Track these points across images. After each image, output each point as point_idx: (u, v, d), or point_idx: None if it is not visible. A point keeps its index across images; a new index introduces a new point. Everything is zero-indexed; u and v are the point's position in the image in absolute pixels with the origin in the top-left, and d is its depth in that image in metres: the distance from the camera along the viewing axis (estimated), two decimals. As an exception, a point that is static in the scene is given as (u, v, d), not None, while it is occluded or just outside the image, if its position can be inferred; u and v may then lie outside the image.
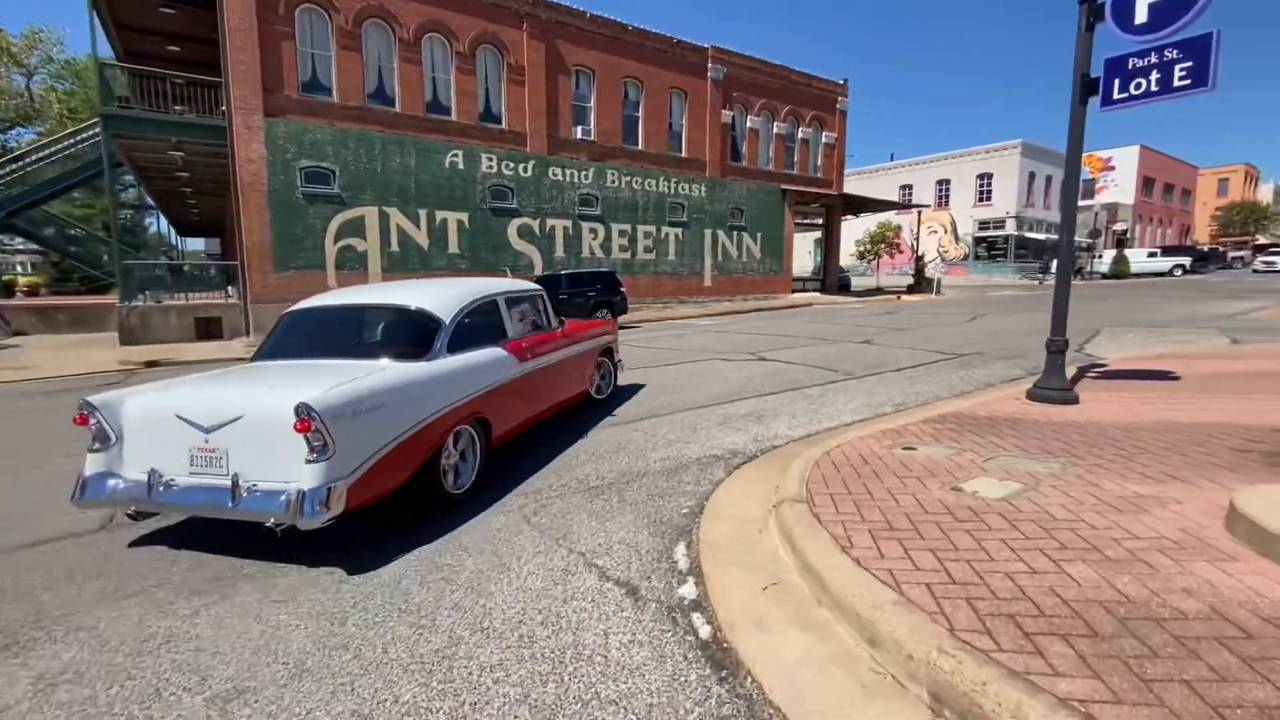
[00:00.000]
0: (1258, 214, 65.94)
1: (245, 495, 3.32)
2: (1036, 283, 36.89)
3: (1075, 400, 6.29)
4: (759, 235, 27.57)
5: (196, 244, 45.76)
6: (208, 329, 16.09)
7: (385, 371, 3.91)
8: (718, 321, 19.39)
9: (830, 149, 30.43)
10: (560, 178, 21.33)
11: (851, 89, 30.47)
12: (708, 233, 25.95)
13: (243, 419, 3.41)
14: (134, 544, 3.78)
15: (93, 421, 3.62)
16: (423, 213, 18.33)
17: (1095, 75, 5.97)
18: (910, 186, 50.34)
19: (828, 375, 9.03)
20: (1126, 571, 2.64)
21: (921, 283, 31.32)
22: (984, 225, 46.92)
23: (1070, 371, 7.89)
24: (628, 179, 23.32)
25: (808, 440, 5.63)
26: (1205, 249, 47.96)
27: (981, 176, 47.19)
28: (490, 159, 19.58)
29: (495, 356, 4.95)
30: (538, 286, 6.33)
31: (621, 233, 23.32)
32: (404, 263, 17.92)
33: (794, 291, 28.79)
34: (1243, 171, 74.02)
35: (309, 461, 3.26)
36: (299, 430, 3.21)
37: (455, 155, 18.88)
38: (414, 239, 18.15)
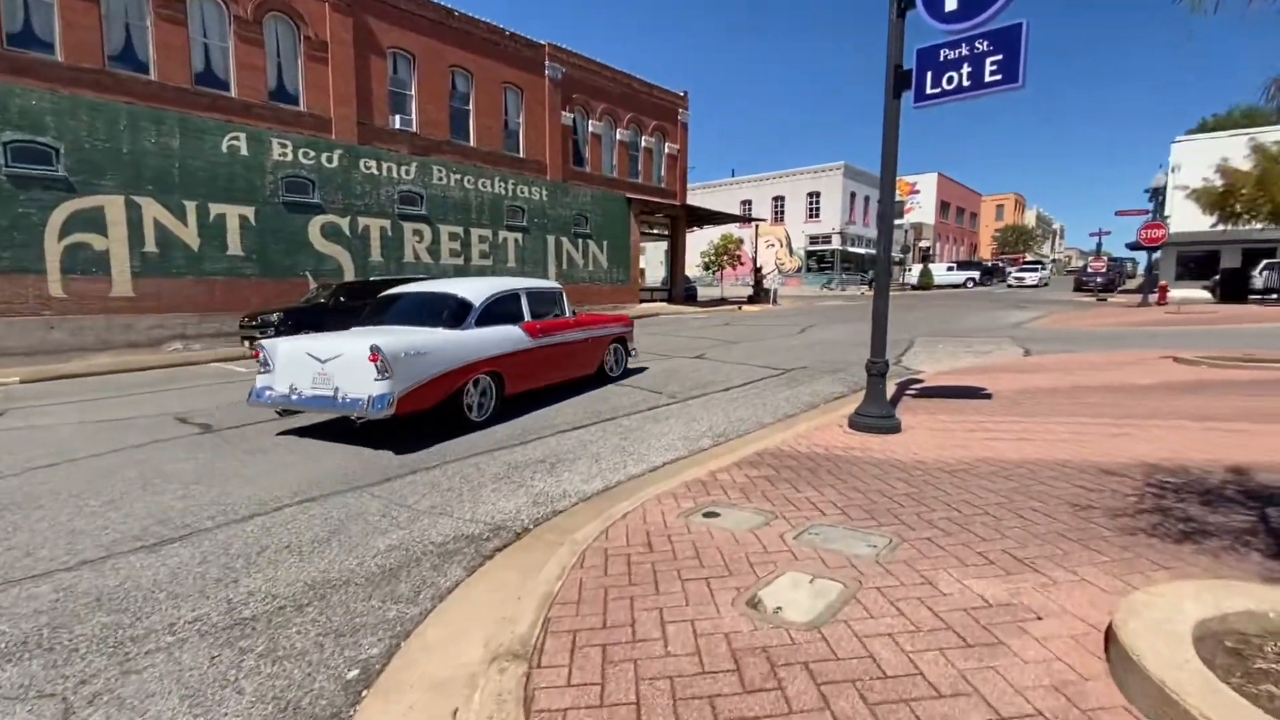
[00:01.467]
0: (1025, 235, 77.26)
1: (341, 400, 5.81)
2: (860, 293, 39.54)
3: (897, 428, 5.60)
4: (605, 244, 26.56)
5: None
6: None
7: (432, 333, 6.37)
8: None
9: (673, 160, 30.30)
10: (376, 171, 18.77)
11: (694, 103, 30.61)
12: (550, 239, 24.46)
13: (342, 355, 5.89)
14: (280, 433, 6.68)
15: (262, 355, 6.33)
16: (191, 205, 15.01)
17: (908, 68, 5.34)
18: (750, 202, 52.40)
19: (650, 399, 7.92)
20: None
21: (760, 293, 32.15)
22: (814, 240, 49.85)
23: (891, 389, 7.48)
24: (459, 177, 21.21)
25: (598, 501, 4.32)
26: (989, 264, 54.78)
27: (811, 194, 50.11)
28: (284, 145, 16.64)
29: (512, 332, 7.13)
30: (556, 285, 8.40)
31: (453, 235, 21.15)
32: (165, 266, 14.53)
33: (642, 301, 28.17)
34: (1013, 199, 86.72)
35: (375, 380, 5.66)
36: (371, 361, 5.63)
37: (236, 138, 15.74)
38: (178, 237, 14.78)
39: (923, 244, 55.51)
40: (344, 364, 5.83)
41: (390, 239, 19.20)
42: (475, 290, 7.10)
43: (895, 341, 13.01)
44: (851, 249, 49.67)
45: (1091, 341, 12.70)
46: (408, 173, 19.60)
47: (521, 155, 23.62)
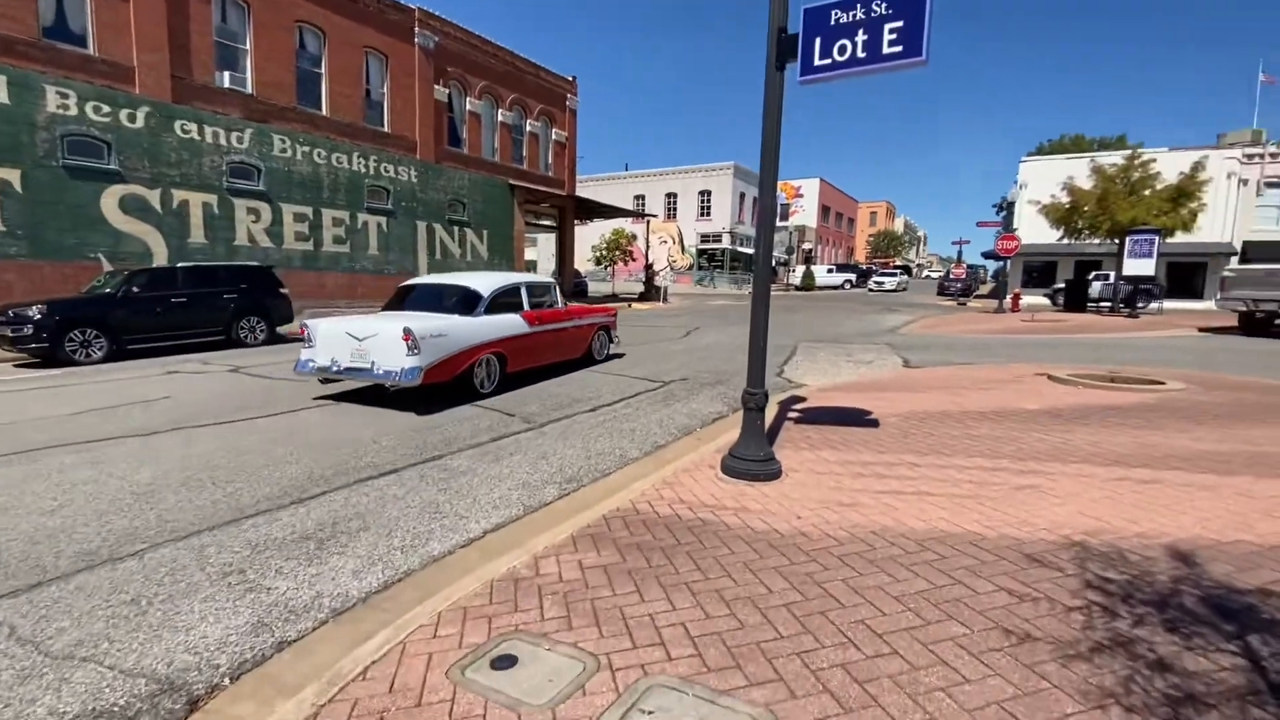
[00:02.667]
0: (895, 240, 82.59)
1: (377, 371, 6.93)
2: (748, 292, 39.82)
3: (777, 473, 4.56)
4: (485, 233, 24.49)
5: None
6: None
7: (450, 319, 7.53)
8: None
9: (561, 148, 28.64)
10: (198, 137, 15.71)
11: (585, 92, 29.07)
12: (421, 225, 22.09)
13: (378, 335, 6.99)
14: (317, 398, 7.65)
15: (306, 333, 7.45)
16: (-79, 162, 11.58)
17: (794, 31, 4.25)
18: (643, 197, 51.63)
19: (501, 424, 6.48)
20: None
21: (651, 290, 31.31)
22: (705, 238, 49.94)
23: (771, 410, 6.56)
24: (308, 150, 18.43)
25: (359, 616, 2.86)
26: (864, 268, 57.71)
27: (703, 193, 50.09)
28: (65, 95, 13.36)
29: (514, 319, 8.34)
30: (551, 279, 9.79)
31: (299, 216, 18.36)
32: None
33: None
34: (885, 207, 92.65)
35: (407, 355, 6.79)
36: (404, 340, 6.76)
37: (-9, 81, 12.37)
38: (-100, 202, 11.35)
39: (806, 246, 57.36)
40: (379, 342, 6.97)
41: (217, 217, 16.23)
42: (485, 283, 8.26)
43: (778, 347, 12.55)
44: (741, 249, 50.25)
45: (964, 350, 12.68)
46: (240, 140, 16.66)
47: (387, 130, 21.07)
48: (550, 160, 28.27)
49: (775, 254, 57.07)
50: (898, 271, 49.56)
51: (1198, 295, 31.94)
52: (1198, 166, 22.26)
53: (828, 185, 67.39)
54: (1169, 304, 27.29)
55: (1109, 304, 23.44)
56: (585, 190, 36.85)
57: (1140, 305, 23.15)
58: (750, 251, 50.67)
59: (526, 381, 8.71)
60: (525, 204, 25.79)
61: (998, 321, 20.56)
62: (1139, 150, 22.96)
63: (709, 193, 49.89)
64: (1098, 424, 5.97)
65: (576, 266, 32.99)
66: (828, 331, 16.34)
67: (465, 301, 7.93)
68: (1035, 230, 30.25)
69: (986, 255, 44.96)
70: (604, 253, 32.87)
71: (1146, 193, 22.05)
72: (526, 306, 8.65)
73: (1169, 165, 22.99)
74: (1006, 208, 49.02)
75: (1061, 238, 24.98)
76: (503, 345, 7.99)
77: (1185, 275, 31.33)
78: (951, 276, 39.99)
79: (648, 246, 33.94)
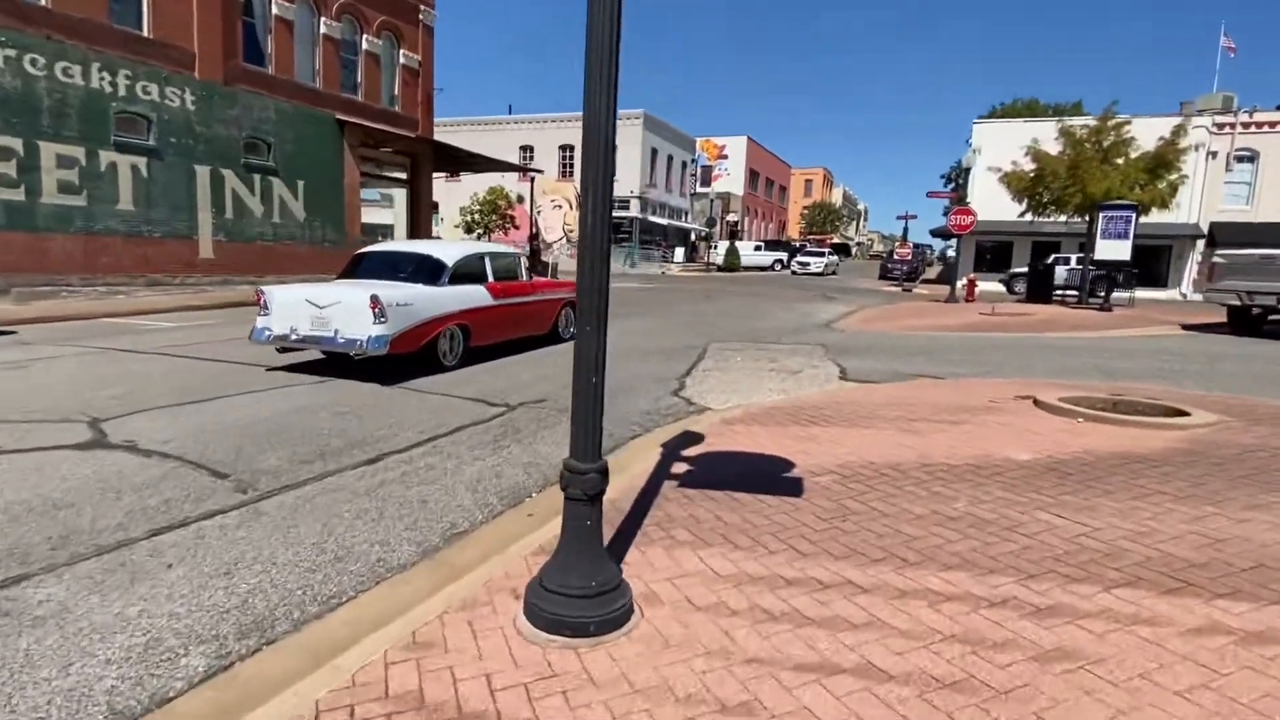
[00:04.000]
0: (832, 214, 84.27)
1: (340, 339, 8.06)
2: (660, 272, 38.72)
3: (621, 618, 2.97)
4: (301, 185, 21.57)
5: None
6: None
7: (414, 288, 8.66)
8: (200, 324, 13.48)
9: (413, 76, 25.91)
10: None
11: (446, 7, 26.45)
12: (203, 170, 18.98)
13: (340, 303, 8.08)
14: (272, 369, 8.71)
15: (262, 300, 8.53)
16: None
17: None
18: (531, 148, 49.02)
19: (202, 491, 4.62)
20: None
21: (537, 266, 29.23)
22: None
23: (649, 455, 5.35)
24: (14, 54, 15.06)
25: None
26: (797, 244, 58.16)
27: None
28: None
29: (478, 290, 9.55)
30: (515, 250, 11.85)
31: (2, 152, 15.00)
32: None
33: None
34: (822, 174, 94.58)
35: (374, 324, 7.88)
36: (370, 308, 7.84)
37: None
38: None
39: (731, 217, 56.87)
40: (342, 310, 8.08)
41: None
42: (447, 252, 9.59)
43: (684, 349, 11.67)
44: (655, 218, 48.96)
45: (916, 356, 11.70)
46: (-118, 29, 13.16)
47: (147, 34, 17.79)
48: (397, 92, 25.48)
49: (695, 227, 56.65)
50: (826, 251, 49.82)
51: (1162, 283, 33.57)
52: (1179, 131, 22.72)
53: (757, 146, 67.46)
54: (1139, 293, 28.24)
55: (1075, 293, 23.72)
56: (455, 137, 34.12)
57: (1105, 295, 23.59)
58: (665, 222, 49.54)
59: (491, 357, 9.90)
60: (362, 148, 23.00)
61: (951, 314, 20.20)
62: (1112, 111, 23.21)
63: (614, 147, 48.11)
64: (1125, 492, 4.66)
65: (439, 233, 30.41)
66: (749, 327, 15.58)
67: (428, 270, 9.06)
68: (990, 205, 30.65)
69: (935, 233, 46.10)
70: (476, 217, 30.36)
71: (1120, 161, 22.29)
72: (490, 278, 9.80)
73: (1142, 133, 23.47)
74: (958, 178, 50.50)
75: (1024, 212, 25.15)
76: (466, 317, 9.21)
77: (1149, 260, 32.66)
78: (895, 257, 40.54)
79: (535, 211, 31.74)
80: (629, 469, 5.00)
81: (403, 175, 25.94)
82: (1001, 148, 28.45)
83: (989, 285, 31.48)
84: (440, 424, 6.56)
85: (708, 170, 54.59)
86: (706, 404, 7.70)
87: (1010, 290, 31.99)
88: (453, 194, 35.57)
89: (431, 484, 4.94)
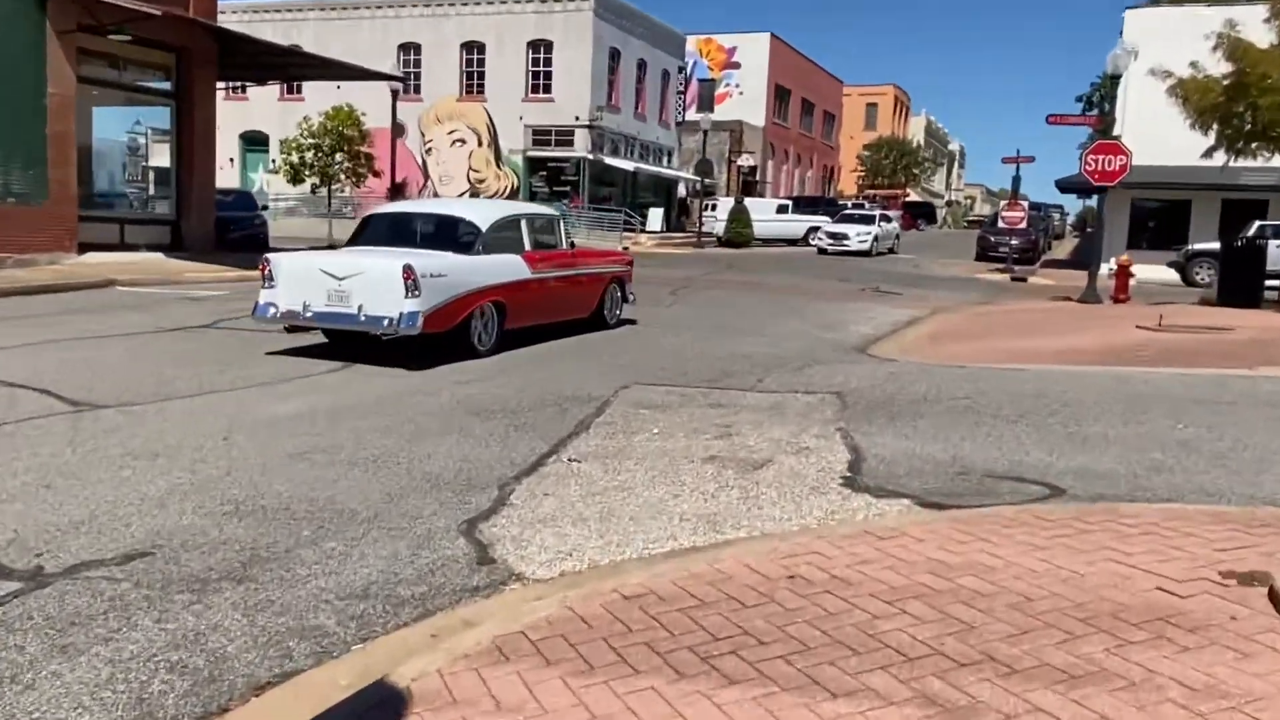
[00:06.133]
0: (909, 159, 79.04)
1: (363, 316, 9.57)
2: (622, 248, 35.92)
3: None
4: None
5: None
6: None
7: (446, 257, 10.29)
8: None
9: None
10: None
11: None
12: None
13: (364, 273, 9.65)
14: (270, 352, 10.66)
15: (266, 269, 10.11)
16: None
17: None
18: (418, 47, 45.24)
19: None
20: None
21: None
22: (541, 136, 44.61)
23: None
24: None
25: None
26: (850, 206, 53.18)
27: (535, 45, 44.29)
28: None
29: (515, 260, 11.12)
30: (554, 211, 14.41)
31: None
32: None
33: (89, 248, 21.04)
34: (892, 94, 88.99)
35: (406, 298, 9.31)
36: (405, 279, 9.27)
37: None
38: None
39: (744, 161, 53.69)
40: (366, 281, 9.46)
41: None
42: (481, 213, 11.60)
43: (566, 402, 9.24)
44: (614, 160, 45.65)
45: (1012, 423, 8.22)
46: None
47: None
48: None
49: (684, 175, 52.28)
50: (878, 216, 44.39)
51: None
52: None
53: (787, 48, 63.67)
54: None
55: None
56: (298, 30, 30.16)
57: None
58: (631, 167, 45.67)
59: (525, 341, 11.72)
60: (82, 35, 19.91)
61: (1090, 324, 17.69)
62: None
63: (548, 45, 44.45)
64: None
65: (263, 180, 26.52)
66: (717, 351, 12.85)
67: (460, 235, 10.93)
68: (1154, 138, 27.74)
69: (1064, 186, 41.89)
70: (307, 156, 26.47)
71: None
72: (528, 246, 11.57)
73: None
74: (1102, 98, 46.35)
75: (1211, 150, 22.21)
76: (502, 292, 10.80)
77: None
78: (1002, 224, 37.20)
79: (424, 147, 27.72)
80: None
81: (166, 85, 23.18)
82: (1173, 42, 25.65)
83: (1152, 271, 28.50)
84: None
85: (709, 86, 51.19)
86: (518, 565, 5.25)
87: (1188, 280, 29.04)
88: (290, 118, 31.71)
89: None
